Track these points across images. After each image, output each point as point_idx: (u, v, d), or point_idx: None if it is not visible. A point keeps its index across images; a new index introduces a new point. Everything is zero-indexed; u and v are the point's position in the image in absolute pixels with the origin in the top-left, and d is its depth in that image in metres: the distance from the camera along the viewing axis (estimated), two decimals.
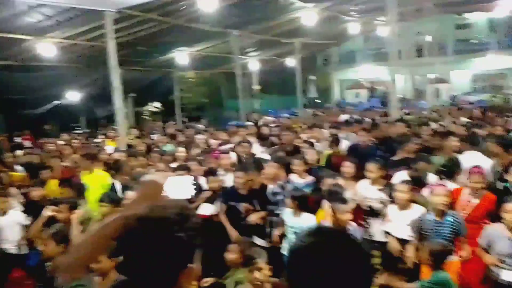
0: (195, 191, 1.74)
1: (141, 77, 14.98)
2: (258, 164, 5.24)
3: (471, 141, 5.53)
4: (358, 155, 5.63)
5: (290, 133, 7.37)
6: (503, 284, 3.47)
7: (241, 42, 13.67)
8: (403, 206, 4.12)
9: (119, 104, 8.20)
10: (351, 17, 14.59)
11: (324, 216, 3.94)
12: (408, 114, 13.01)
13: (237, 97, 14.18)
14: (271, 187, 4.91)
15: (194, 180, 1.71)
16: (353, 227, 3.80)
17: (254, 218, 4.63)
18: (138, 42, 11.35)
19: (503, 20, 22.88)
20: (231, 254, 3.50)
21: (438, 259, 3.29)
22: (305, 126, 9.38)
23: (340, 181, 4.74)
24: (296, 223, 4.20)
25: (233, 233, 4.56)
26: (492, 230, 3.65)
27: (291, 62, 19.10)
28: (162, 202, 1.37)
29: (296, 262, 1.15)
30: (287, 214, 4.40)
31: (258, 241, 4.74)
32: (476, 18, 24.17)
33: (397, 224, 4.13)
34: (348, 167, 4.95)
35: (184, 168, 5.17)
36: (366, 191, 4.65)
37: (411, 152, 5.56)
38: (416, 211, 4.07)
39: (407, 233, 3.95)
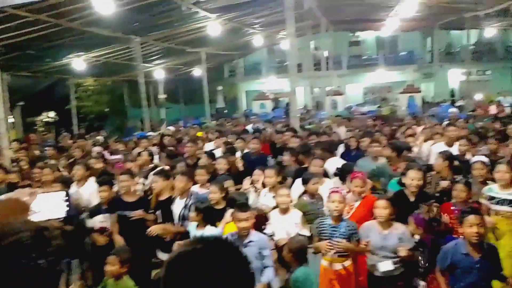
0: (68, 208, 1.56)
1: (31, 84, 13.68)
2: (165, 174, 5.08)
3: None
4: (249, 163, 5.82)
5: (194, 144, 7.27)
6: (381, 276, 3.82)
7: (143, 49, 13.25)
8: (284, 211, 4.27)
9: (1, 113, 7.35)
10: (254, 30, 15.04)
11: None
12: (310, 123, 13.84)
13: (141, 106, 13.68)
14: (180, 200, 4.74)
15: (66, 196, 1.55)
16: (254, 235, 3.79)
17: (155, 230, 4.46)
18: (27, 45, 10.36)
19: (388, 38, 25.57)
20: (109, 266, 3.49)
21: (299, 256, 3.54)
22: (212, 136, 9.38)
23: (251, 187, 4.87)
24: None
25: (119, 243, 4.41)
26: (367, 226, 3.96)
27: (198, 72, 19.06)
28: (13, 223, 1.14)
29: (171, 272, 1.09)
30: (192, 227, 4.25)
31: (162, 255, 4.57)
32: (366, 36, 26.62)
33: (278, 228, 4.24)
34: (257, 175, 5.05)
35: (63, 181, 4.85)
36: (265, 198, 4.72)
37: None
38: (294, 215, 4.25)
39: (286, 236, 4.08)
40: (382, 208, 3.84)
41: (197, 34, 13.54)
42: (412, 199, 4.33)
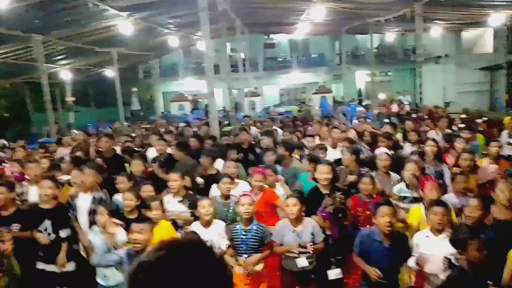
0: None
1: None
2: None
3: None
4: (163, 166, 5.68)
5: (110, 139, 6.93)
6: (299, 271, 3.94)
7: (46, 48, 12.21)
8: (206, 223, 4.11)
9: None
10: (169, 30, 14.68)
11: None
12: (228, 124, 13.88)
13: (46, 110, 12.58)
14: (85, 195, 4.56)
15: None
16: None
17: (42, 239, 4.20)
18: None
19: (300, 42, 26.67)
20: None
21: None
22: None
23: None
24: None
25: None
26: (281, 225, 4.07)
27: (110, 72, 18.09)
28: None
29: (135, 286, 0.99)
30: (95, 231, 4.11)
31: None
32: (280, 39, 27.49)
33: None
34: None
35: None
36: (168, 204, 4.56)
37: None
38: (217, 226, 4.14)
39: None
40: (292, 205, 3.95)
41: (106, 33, 12.82)
42: (325, 192, 4.54)
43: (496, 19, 12.27)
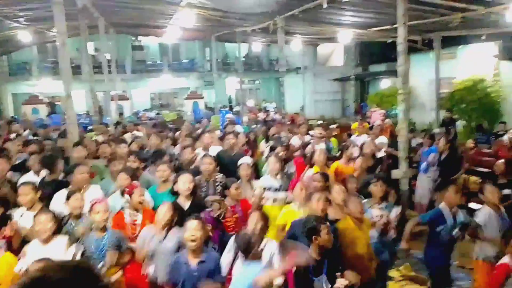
0: None
1: None
2: None
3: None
4: None
5: None
6: None
7: None
8: (45, 240, 3.65)
9: None
10: (19, 24, 12.99)
11: None
12: (91, 130, 12.87)
13: None
14: None
15: None
16: None
17: None
18: None
19: (171, 46, 26.34)
20: None
21: None
22: None
23: None
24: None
25: None
26: (146, 231, 3.99)
27: None
28: None
29: None
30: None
31: None
32: (150, 42, 26.71)
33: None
34: None
35: None
36: (21, 219, 4.16)
37: None
38: (59, 243, 3.71)
39: None
40: (162, 214, 3.90)
41: None
42: (187, 205, 4.51)
43: (344, 36, 13.91)
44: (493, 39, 13.74)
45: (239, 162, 5.75)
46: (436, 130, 12.32)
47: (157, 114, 21.77)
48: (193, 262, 3.35)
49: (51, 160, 5.55)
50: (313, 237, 3.43)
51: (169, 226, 3.88)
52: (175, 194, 4.64)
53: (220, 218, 4.39)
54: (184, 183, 4.49)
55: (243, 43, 21.32)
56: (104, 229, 3.82)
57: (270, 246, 3.56)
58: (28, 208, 4.18)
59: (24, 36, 14.56)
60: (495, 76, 14.65)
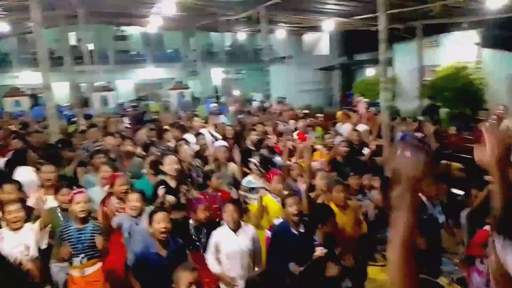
0: None
1: None
2: None
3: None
4: None
5: None
6: None
7: None
8: (15, 228, 3.76)
9: None
10: None
11: None
12: (73, 122, 12.66)
13: None
14: None
15: None
16: None
17: None
18: None
19: (154, 36, 25.93)
20: None
21: None
22: None
23: None
24: None
25: None
26: (119, 219, 4.03)
27: None
28: None
29: None
30: None
31: None
32: (132, 31, 26.28)
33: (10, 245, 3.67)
34: None
35: None
36: None
37: None
38: (27, 229, 3.80)
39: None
40: (134, 201, 3.98)
41: None
42: (173, 184, 4.57)
43: (328, 25, 13.89)
44: (475, 27, 13.86)
45: (216, 144, 5.81)
46: (420, 118, 12.46)
47: (134, 106, 21.33)
48: (163, 252, 3.41)
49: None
50: (320, 225, 3.73)
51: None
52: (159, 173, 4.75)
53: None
54: (170, 164, 4.50)
55: (228, 33, 21.17)
56: (84, 220, 3.80)
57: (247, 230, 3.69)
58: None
59: (2, 26, 14.21)
60: (477, 64, 14.81)
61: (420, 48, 13.38)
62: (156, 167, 4.82)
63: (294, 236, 3.75)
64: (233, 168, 5.47)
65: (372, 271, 5.42)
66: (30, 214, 3.98)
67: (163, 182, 4.53)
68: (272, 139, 7.15)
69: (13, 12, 12.68)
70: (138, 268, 3.44)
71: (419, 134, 8.18)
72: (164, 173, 4.65)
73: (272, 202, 4.58)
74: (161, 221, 3.41)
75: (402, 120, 10.13)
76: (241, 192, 5.15)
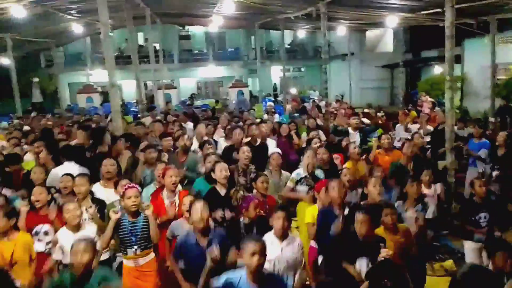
0: None
1: None
2: None
3: None
4: None
5: None
6: None
7: None
8: (75, 228, 3.99)
9: None
10: (71, 16, 13.64)
11: None
12: (138, 118, 13.37)
13: None
14: None
15: None
16: None
17: None
18: None
19: (216, 35, 26.52)
20: None
21: None
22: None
23: None
24: None
25: None
26: (177, 224, 4.12)
27: (5, 61, 16.34)
28: None
29: None
30: None
31: None
32: (196, 31, 27.09)
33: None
34: None
35: None
36: None
37: None
38: (89, 230, 4.00)
39: None
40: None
41: None
42: (223, 192, 4.55)
43: (392, 20, 13.29)
44: None
45: (271, 151, 5.71)
46: (491, 120, 11.55)
47: (189, 104, 21.80)
48: (203, 242, 3.47)
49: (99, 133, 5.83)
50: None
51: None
52: (211, 182, 4.71)
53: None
54: (221, 171, 4.52)
55: (288, 31, 21.04)
56: (136, 213, 3.95)
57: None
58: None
59: (77, 28, 15.32)
60: None
61: (493, 44, 12.36)
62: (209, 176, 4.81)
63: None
64: (287, 176, 5.35)
65: (431, 281, 5.12)
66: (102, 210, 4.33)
67: (213, 191, 4.55)
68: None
69: (85, 14, 13.57)
70: (179, 257, 3.56)
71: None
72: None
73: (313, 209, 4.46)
74: (200, 211, 3.50)
75: (462, 122, 9.41)
76: (289, 184, 5.13)
